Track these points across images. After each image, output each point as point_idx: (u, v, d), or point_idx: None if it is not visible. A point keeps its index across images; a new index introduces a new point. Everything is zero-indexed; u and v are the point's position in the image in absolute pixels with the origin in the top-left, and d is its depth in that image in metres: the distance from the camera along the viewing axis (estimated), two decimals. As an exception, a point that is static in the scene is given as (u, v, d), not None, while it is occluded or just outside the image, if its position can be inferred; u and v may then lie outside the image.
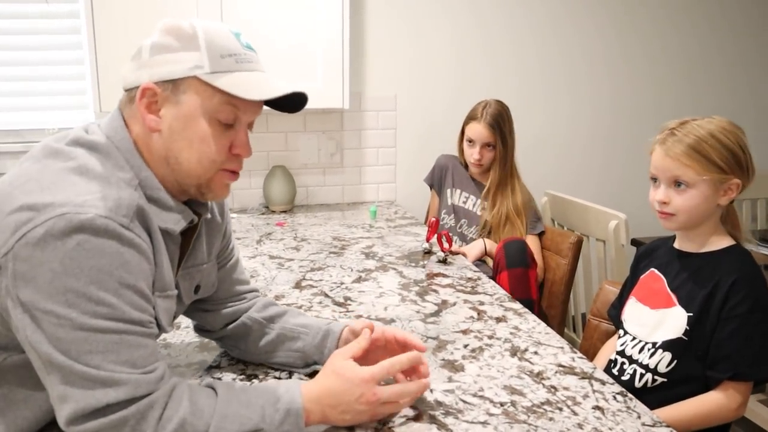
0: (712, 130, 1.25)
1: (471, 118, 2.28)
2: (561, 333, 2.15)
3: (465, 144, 2.32)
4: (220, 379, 1.16)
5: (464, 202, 2.38)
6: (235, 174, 0.99)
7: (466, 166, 2.38)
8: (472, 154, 2.27)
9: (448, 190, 2.42)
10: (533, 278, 2.03)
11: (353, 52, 2.67)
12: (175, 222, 0.95)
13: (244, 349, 1.21)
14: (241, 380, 1.16)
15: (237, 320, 1.20)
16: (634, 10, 3.04)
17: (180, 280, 1.03)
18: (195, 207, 1.02)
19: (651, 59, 3.12)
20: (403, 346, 1.10)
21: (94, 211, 0.79)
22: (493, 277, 2.03)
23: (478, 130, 2.23)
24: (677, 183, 1.28)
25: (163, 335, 1.26)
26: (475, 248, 2.20)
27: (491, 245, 2.21)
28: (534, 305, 2.01)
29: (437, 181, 2.48)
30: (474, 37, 2.89)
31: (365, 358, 1.05)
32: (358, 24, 2.73)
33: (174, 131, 0.92)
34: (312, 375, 1.17)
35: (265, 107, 1.00)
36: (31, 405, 0.90)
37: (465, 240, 2.34)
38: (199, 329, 1.25)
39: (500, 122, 2.22)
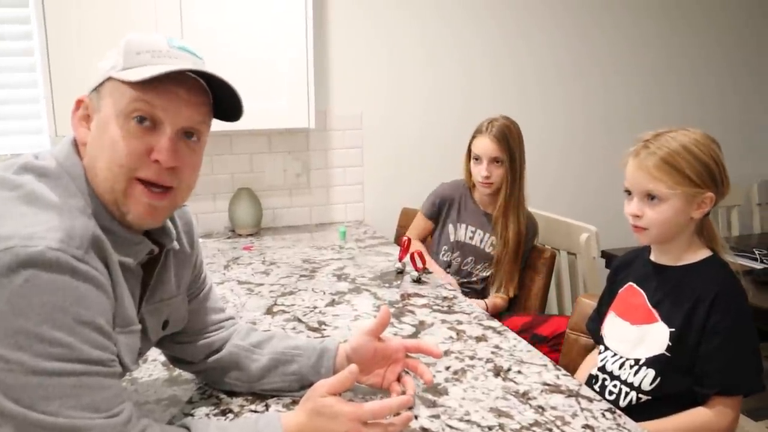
0: (685, 143, 1.24)
1: (476, 132, 2.13)
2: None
3: (472, 163, 2.14)
4: (192, 414, 1.09)
5: (471, 238, 2.19)
6: (154, 190, 0.85)
7: (473, 197, 2.22)
8: (480, 172, 2.09)
9: (451, 225, 2.22)
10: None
11: (317, 69, 2.63)
12: (131, 254, 0.89)
13: (235, 379, 1.14)
14: (215, 415, 1.09)
15: (220, 350, 1.13)
16: (606, 23, 3.09)
17: (146, 316, 0.97)
18: (156, 237, 0.95)
19: (623, 70, 3.15)
20: (416, 352, 1.18)
21: (44, 243, 0.72)
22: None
23: (484, 143, 2.08)
24: (650, 196, 1.26)
25: (130, 370, 1.19)
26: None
27: (491, 304, 2.10)
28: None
29: (438, 213, 2.27)
30: (443, 52, 2.87)
31: (366, 369, 1.12)
32: (322, 41, 2.70)
33: (93, 139, 0.86)
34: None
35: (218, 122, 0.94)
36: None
37: (471, 278, 2.19)
38: (177, 361, 1.17)
39: (507, 135, 2.08)
